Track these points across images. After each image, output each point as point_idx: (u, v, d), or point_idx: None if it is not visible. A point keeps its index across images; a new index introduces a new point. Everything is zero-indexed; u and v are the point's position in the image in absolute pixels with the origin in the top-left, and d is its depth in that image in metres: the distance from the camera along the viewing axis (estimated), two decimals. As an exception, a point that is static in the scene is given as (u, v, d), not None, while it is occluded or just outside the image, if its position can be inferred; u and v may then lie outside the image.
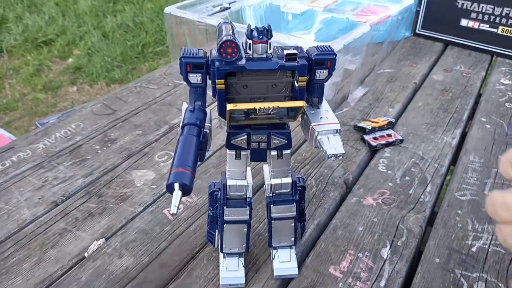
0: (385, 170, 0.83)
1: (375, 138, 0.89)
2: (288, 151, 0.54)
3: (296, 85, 0.49)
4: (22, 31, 3.35)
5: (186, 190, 0.39)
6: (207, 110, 0.50)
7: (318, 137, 0.49)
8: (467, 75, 1.20)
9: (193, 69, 0.47)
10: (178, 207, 0.37)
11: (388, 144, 0.88)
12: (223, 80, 0.47)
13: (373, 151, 0.86)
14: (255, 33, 0.46)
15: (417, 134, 0.93)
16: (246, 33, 0.46)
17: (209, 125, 0.49)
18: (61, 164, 0.85)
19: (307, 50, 0.50)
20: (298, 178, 0.61)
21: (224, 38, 0.45)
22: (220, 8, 1.09)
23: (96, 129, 0.96)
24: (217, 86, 0.47)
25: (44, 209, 0.74)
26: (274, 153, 0.54)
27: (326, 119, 0.50)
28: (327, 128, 0.49)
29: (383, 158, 0.86)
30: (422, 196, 0.75)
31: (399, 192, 0.76)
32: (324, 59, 0.49)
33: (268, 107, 0.44)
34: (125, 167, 0.84)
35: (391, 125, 0.94)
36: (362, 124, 0.93)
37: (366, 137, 0.90)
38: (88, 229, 0.69)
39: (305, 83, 0.48)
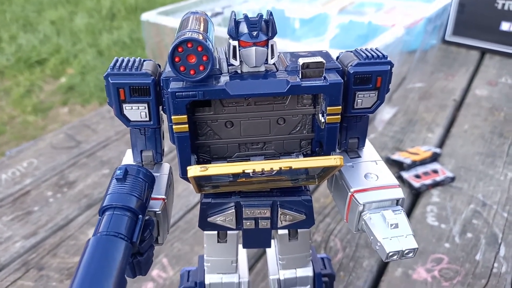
0: (436, 224, 0.60)
1: (417, 176, 0.67)
2: (307, 230, 0.32)
3: (322, 120, 0.27)
4: (15, 51, 3.21)
5: None
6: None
7: (365, 216, 0.27)
8: (516, 88, 0.98)
9: (132, 95, 0.26)
10: None
11: (435, 184, 0.66)
12: (185, 116, 0.25)
13: (416, 194, 0.64)
14: (243, 27, 0.24)
15: (471, 169, 0.71)
16: (228, 28, 0.25)
17: (162, 197, 0.27)
18: (-2, 219, 0.64)
19: (338, 57, 0.29)
20: (322, 259, 0.38)
21: (183, 37, 0.23)
22: (211, 14, 0.89)
23: (52, 168, 0.75)
24: (174, 127, 0.25)
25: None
26: (283, 232, 0.32)
27: (376, 178, 0.28)
28: (380, 197, 0.27)
29: (431, 204, 0.63)
30: (495, 265, 0.52)
31: (462, 259, 0.54)
32: (371, 72, 0.27)
33: (271, 168, 0.23)
34: (81, 223, 0.63)
35: (435, 157, 0.71)
36: (397, 157, 0.70)
37: (405, 174, 0.67)
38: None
39: (339, 116, 0.26)
